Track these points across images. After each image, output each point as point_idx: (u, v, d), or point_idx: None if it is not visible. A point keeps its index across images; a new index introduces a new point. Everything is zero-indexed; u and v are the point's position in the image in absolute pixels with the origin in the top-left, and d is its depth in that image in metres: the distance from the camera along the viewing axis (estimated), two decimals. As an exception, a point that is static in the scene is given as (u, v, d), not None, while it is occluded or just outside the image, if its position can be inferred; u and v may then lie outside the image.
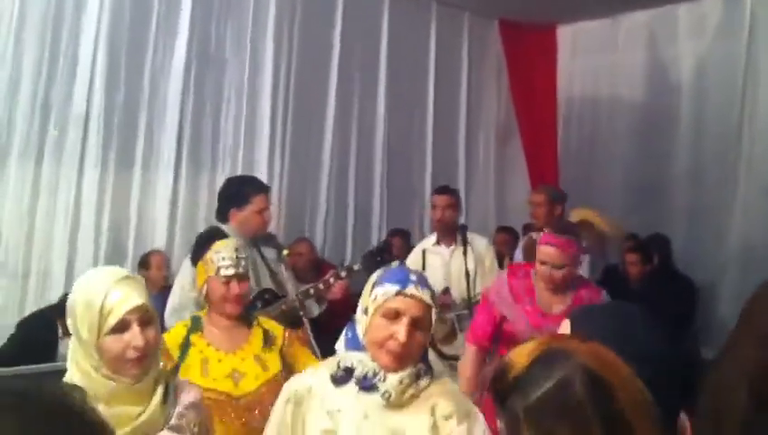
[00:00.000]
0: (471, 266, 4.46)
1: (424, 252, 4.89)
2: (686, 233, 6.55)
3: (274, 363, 2.86)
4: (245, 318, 2.93)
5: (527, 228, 6.72)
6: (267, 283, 3.91)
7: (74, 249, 5.01)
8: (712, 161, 6.58)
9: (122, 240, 5.21)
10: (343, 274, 3.94)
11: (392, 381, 2.04)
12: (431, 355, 4.59)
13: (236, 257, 2.83)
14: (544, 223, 4.94)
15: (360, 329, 2.11)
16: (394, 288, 2.04)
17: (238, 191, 3.97)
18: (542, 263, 3.38)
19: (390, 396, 2.04)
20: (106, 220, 5.13)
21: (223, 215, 3.96)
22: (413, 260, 4.94)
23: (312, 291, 3.90)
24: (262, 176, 5.54)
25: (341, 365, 2.10)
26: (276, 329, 2.98)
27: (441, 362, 4.62)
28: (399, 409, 2.07)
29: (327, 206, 6.28)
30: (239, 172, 5.62)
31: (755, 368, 3.02)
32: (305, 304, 3.82)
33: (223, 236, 3.27)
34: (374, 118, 6.66)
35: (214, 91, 5.65)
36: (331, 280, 3.91)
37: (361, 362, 2.08)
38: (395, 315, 2.02)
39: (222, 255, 2.83)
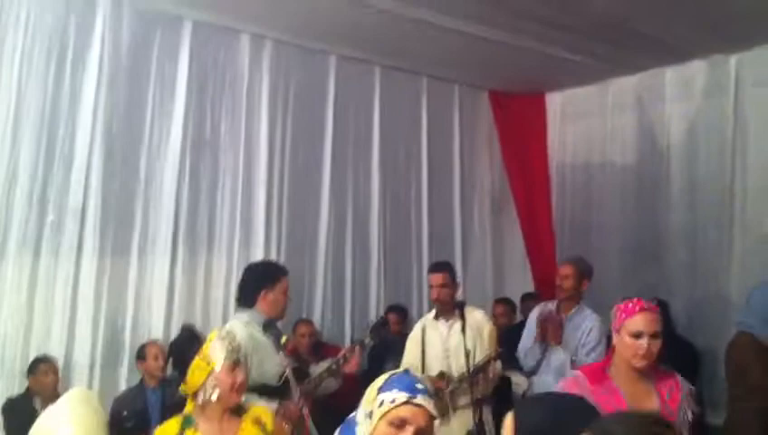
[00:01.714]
0: (470, 343, 4.45)
1: (424, 328, 4.90)
2: (685, 295, 6.54)
3: None
4: (237, 408, 2.96)
5: (527, 298, 6.73)
6: (275, 362, 3.97)
7: (72, 341, 5.03)
8: (706, 221, 6.59)
9: (119, 330, 5.22)
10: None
11: None
12: None
13: (232, 350, 2.90)
14: (569, 295, 4.96)
15: (360, 433, 2.09)
16: (403, 396, 2.04)
17: (266, 273, 4.19)
18: (637, 336, 2.90)
19: None
20: (103, 310, 5.15)
21: (251, 298, 4.09)
22: (413, 337, 4.95)
23: (333, 367, 4.17)
24: (258, 258, 5.61)
25: None
26: (266, 415, 3.01)
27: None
28: None
29: (324, 285, 6.29)
30: (236, 256, 5.67)
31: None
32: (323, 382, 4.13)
33: (195, 335, 3.35)
34: (369, 191, 6.72)
35: (209, 176, 5.72)
36: (347, 354, 4.21)
37: None
38: (401, 424, 2.03)
39: (218, 348, 2.88)
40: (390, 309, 6.35)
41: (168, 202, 5.45)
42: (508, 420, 1.77)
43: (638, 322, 2.90)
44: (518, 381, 5.47)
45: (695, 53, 6.51)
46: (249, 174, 5.89)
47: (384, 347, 5.87)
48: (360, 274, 6.56)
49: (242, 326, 3.87)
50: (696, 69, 6.73)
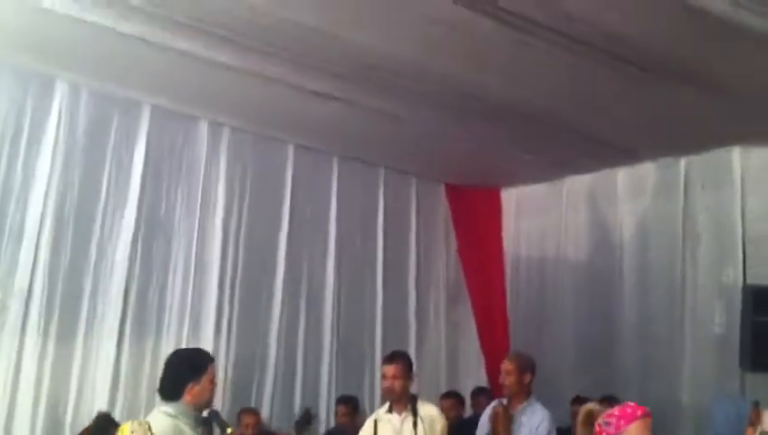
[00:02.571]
0: (419, 438, 4.37)
1: (375, 422, 4.80)
2: (638, 391, 6.49)
3: None
4: None
5: (478, 392, 6.67)
6: None
7: (11, 423, 4.86)
8: (658, 318, 6.65)
9: (60, 413, 5.04)
10: None
11: None
12: None
13: None
14: (512, 391, 4.91)
15: None
16: None
17: (193, 363, 3.91)
18: None
19: None
20: (45, 392, 5.01)
21: (177, 391, 3.85)
22: (365, 430, 4.84)
23: None
24: (208, 344, 5.53)
25: None
26: None
27: None
28: None
29: (275, 373, 6.17)
30: (184, 340, 5.59)
31: None
32: None
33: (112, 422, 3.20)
34: (323, 281, 6.68)
35: (161, 259, 5.67)
36: None
37: None
38: None
39: None
40: (340, 400, 6.23)
41: (117, 284, 5.37)
42: None
43: (643, 429, 2.73)
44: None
45: (645, 156, 6.72)
46: (202, 259, 5.86)
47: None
48: (311, 363, 6.46)
49: (166, 419, 3.69)
50: (647, 170, 6.91)
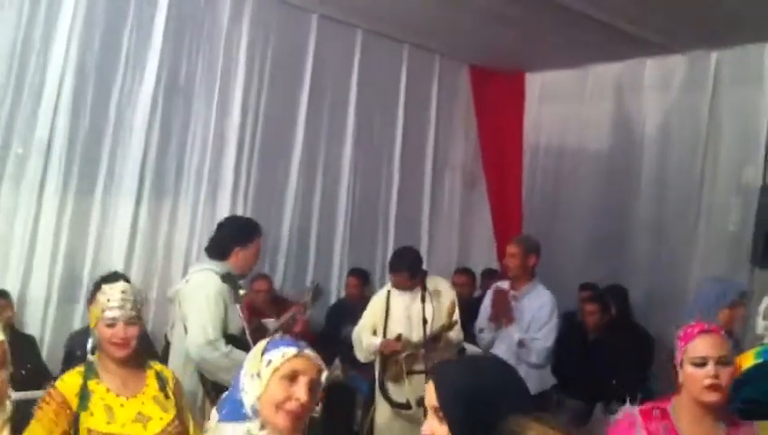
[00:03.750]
0: (429, 313, 4.47)
1: (389, 293, 4.91)
2: (646, 284, 6.62)
3: (171, 406, 2.87)
4: (139, 361, 2.90)
5: (487, 274, 6.77)
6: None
7: (29, 276, 4.96)
8: (673, 214, 6.67)
9: (78, 268, 5.15)
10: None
11: None
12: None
13: (122, 299, 2.79)
14: (516, 273, 5.00)
15: (250, 396, 2.05)
16: (292, 350, 2.06)
17: (244, 230, 4.14)
18: (702, 363, 2.47)
19: None
20: (63, 247, 5.07)
21: (223, 252, 4.02)
22: (378, 300, 4.96)
23: (284, 327, 4.21)
24: (224, 210, 5.58)
25: None
26: (166, 371, 3.00)
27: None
28: None
29: (289, 243, 6.25)
30: (201, 205, 5.62)
31: None
32: None
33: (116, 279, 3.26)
34: (341, 153, 6.68)
35: (180, 123, 5.64)
36: (297, 316, 4.28)
37: (248, 431, 2.01)
38: (293, 376, 2.03)
39: (107, 296, 2.80)
40: (352, 272, 6.36)
41: (136, 145, 5.35)
42: (429, 389, 1.70)
43: (700, 346, 2.49)
44: (473, 353, 5.52)
45: (676, 47, 6.54)
46: (221, 125, 5.81)
47: (342, 309, 5.89)
48: (325, 235, 6.54)
49: (212, 275, 3.85)
50: (676, 63, 6.77)
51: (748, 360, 3.50)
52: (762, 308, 3.61)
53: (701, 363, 2.46)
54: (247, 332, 3.87)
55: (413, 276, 4.72)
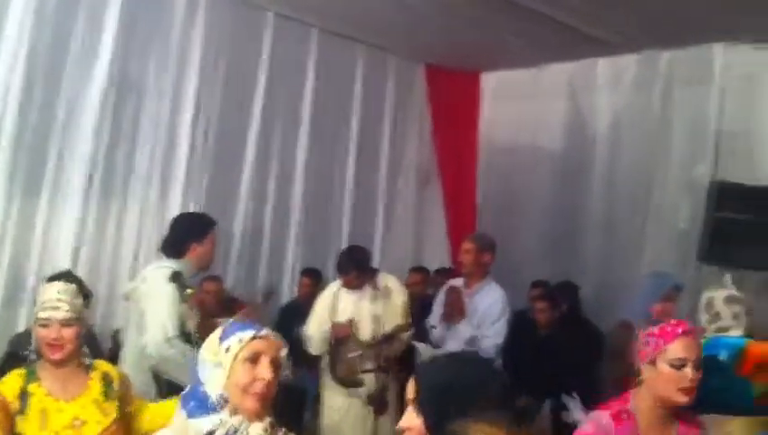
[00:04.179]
0: (379, 311, 4.48)
1: (336, 291, 4.91)
2: (597, 281, 6.69)
3: (113, 409, 2.82)
4: (81, 363, 2.86)
5: (441, 272, 6.79)
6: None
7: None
8: (623, 212, 6.76)
9: (24, 269, 5.05)
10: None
11: (257, 430, 2.02)
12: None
13: (57, 300, 2.76)
14: (470, 270, 5.04)
15: (213, 387, 2.05)
16: (249, 332, 2.07)
17: (197, 225, 4.15)
18: (681, 365, 2.42)
19: None
20: (7, 249, 4.96)
21: (179, 249, 4.01)
22: (325, 299, 4.96)
23: None
24: (175, 210, 5.52)
25: (194, 432, 2.02)
26: (113, 372, 2.95)
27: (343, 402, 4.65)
28: None
29: (241, 243, 6.19)
30: (151, 205, 5.56)
31: None
32: None
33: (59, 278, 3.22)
34: (295, 155, 6.63)
35: (131, 122, 5.54)
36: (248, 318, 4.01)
37: (221, 421, 2.02)
38: (255, 358, 2.04)
39: (43, 297, 2.78)
40: (305, 272, 6.34)
41: (85, 144, 5.24)
42: (411, 382, 1.80)
43: (681, 347, 2.44)
44: (423, 351, 5.54)
45: (628, 47, 6.62)
46: (173, 125, 5.73)
47: (294, 309, 5.87)
48: (277, 233, 6.49)
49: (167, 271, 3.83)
50: (628, 62, 6.85)
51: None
52: (702, 303, 3.68)
53: (680, 365, 2.42)
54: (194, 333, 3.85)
55: (361, 275, 4.72)
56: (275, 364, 2.07)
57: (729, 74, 6.23)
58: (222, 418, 2.02)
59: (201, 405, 2.05)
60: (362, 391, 4.58)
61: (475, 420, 1.41)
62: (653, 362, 2.47)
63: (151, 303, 3.78)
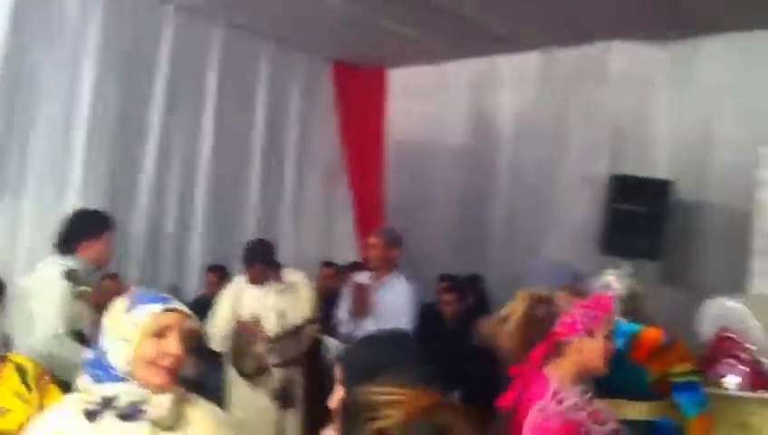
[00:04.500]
0: (285, 305, 4.43)
1: (240, 287, 4.85)
2: (502, 274, 6.80)
3: (34, 399, 2.73)
4: None
5: (351, 267, 6.78)
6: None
7: None
8: (526, 206, 6.93)
9: None
10: None
11: (161, 401, 1.99)
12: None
13: None
14: (378, 265, 5.05)
15: (119, 359, 2.01)
16: (158, 306, 2.03)
17: (92, 223, 4.02)
18: (609, 336, 2.57)
19: (162, 418, 1.99)
20: None
21: (70, 246, 3.87)
22: (228, 294, 4.89)
23: None
24: (70, 207, 5.33)
25: (99, 396, 1.99)
26: (27, 363, 2.86)
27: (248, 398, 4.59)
28: (168, 433, 2.02)
29: (143, 241, 6.03)
30: (48, 203, 5.36)
31: None
32: None
33: None
34: (199, 151, 6.51)
35: (25, 117, 5.32)
36: None
37: (126, 392, 1.99)
38: (163, 332, 2.02)
39: None
40: (211, 268, 6.23)
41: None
42: (337, 368, 1.86)
43: (610, 319, 2.58)
44: (331, 346, 5.53)
45: (528, 45, 6.77)
46: (69, 120, 5.54)
47: (201, 306, 5.77)
48: (181, 230, 6.36)
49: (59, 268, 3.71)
50: (529, 60, 7.00)
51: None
52: (600, 286, 3.80)
53: (609, 336, 2.54)
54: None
55: (266, 269, 4.68)
56: (184, 338, 2.05)
57: (624, 71, 6.45)
58: (128, 390, 1.99)
59: (107, 373, 2.02)
60: (268, 384, 4.53)
61: (381, 382, 1.41)
62: (591, 334, 2.54)
63: (40, 300, 3.66)
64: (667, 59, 6.30)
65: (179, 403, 2.05)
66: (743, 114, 5.86)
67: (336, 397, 1.83)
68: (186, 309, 2.10)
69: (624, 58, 6.49)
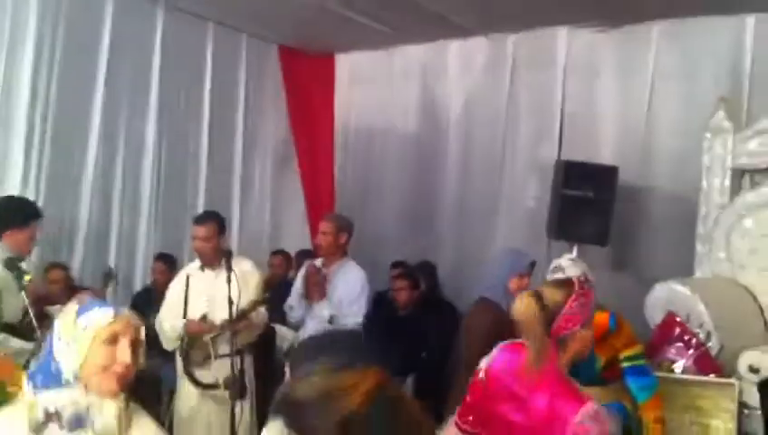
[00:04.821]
0: (234, 293, 4.32)
1: (188, 277, 4.75)
2: (453, 260, 6.85)
3: None
4: None
5: (301, 255, 6.75)
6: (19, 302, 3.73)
7: None
8: (476, 192, 6.96)
9: None
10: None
11: (108, 410, 1.99)
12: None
13: None
14: (328, 251, 5.01)
15: (67, 364, 2.00)
16: (108, 314, 2.04)
17: (16, 212, 3.99)
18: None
19: (108, 427, 1.98)
20: None
21: None
22: (176, 284, 4.79)
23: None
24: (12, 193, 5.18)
25: (43, 408, 1.95)
26: None
27: (197, 390, 4.51)
28: None
29: (87, 231, 5.89)
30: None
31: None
32: None
33: None
34: (143, 137, 6.35)
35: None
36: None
37: (71, 401, 1.96)
38: (114, 339, 2.03)
39: None
40: (158, 257, 6.11)
41: None
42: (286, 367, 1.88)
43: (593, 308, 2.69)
44: (284, 334, 5.49)
45: (477, 30, 6.77)
46: (7, 107, 5.36)
47: (148, 296, 5.68)
48: (127, 217, 6.21)
49: None
50: (478, 45, 7.01)
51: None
52: (550, 270, 3.84)
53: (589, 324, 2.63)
54: (34, 321, 3.63)
55: (218, 230, 4.63)
56: (134, 345, 2.07)
57: (572, 57, 6.50)
58: (75, 396, 1.98)
59: (51, 379, 2.01)
60: (216, 375, 4.45)
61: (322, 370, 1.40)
62: (585, 325, 2.60)
63: None
64: (613, 45, 6.35)
65: (124, 413, 2.05)
66: (686, 100, 5.95)
67: None
68: (136, 319, 2.12)
69: (570, 44, 6.53)
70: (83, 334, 2.01)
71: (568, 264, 3.75)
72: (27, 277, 3.69)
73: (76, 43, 5.80)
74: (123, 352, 2.02)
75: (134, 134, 6.30)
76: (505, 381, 2.60)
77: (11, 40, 5.40)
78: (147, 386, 5.16)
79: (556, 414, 2.43)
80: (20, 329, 3.69)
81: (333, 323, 4.76)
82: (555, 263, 3.93)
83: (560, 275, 3.53)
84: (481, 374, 2.68)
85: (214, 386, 4.43)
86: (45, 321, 3.74)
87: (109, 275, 4.63)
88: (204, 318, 4.51)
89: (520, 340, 2.62)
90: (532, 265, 4.07)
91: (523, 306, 2.57)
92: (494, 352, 2.71)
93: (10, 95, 5.40)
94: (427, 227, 7.13)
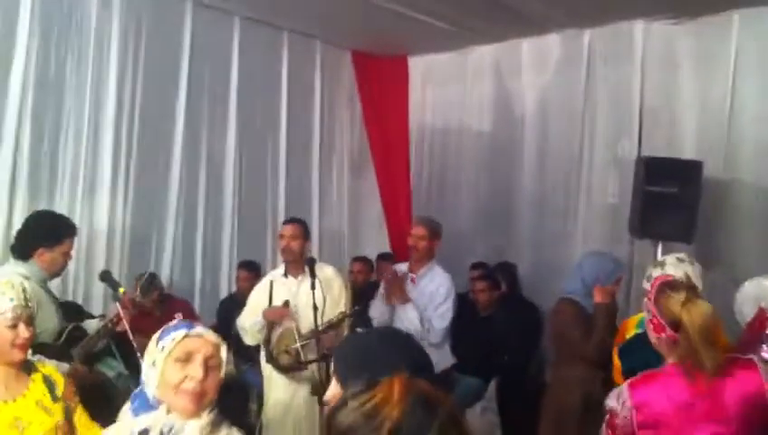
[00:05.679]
0: (318, 299, 4.40)
1: (272, 282, 4.85)
2: (532, 260, 6.79)
3: (58, 410, 2.78)
4: (24, 365, 2.81)
5: (382, 258, 6.80)
6: (55, 321, 3.86)
7: None
8: (555, 189, 6.87)
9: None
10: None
11: (191, 429, 2.04)
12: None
13: (25, 298, 2.74)
14: (422, 255, 5.02)
15: (150, 385, 2.09)
16: (181, 332, 2.09)
17: (51, 229, 3.95)
18: None
19: None
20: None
21: (24, 252, 3.86)
22: (260, 289, 4.89)
23: (108, 326, 3.95)
24: (103, 209, 5.38)
25: (135, 431, 2.03)
26: (55, 375, 2.90)
27: (285, 395, 4.59)
28: None
29: (174, 240, 6.06)
30: (78, 204, 5.38)
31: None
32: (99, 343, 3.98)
33: None
34: (224, 147, 6.50)
35: (52, 119, 5.32)
36: (117, 315, 3.83)
37: (155, 419, 2.03)
38: (187, 357, 2.07)
39: (9, 296, 2.70)
40: (242, 265, 6.24)
41: (6, 143, 5.05)
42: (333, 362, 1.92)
43: None
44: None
45: (550, 27, 6.70)
46: (96, 120, 5.54)
47: (233, 303, 5.79)
48: (211, 227, 6.37)
49: (17, 277, 3.52)
50: (552, 42, 6.93)
51: (630, 329, 3.64)
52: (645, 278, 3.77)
53: None
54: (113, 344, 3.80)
55: (304, 232, 4.82)
56: (209, 363, 2.09)
57: (649, 51, 6.37)
58: (156, 416, 2.04)
59: (144, 404, 2.09)
60: (305, 379, 4.52)
61: (369, 377, 1.45)
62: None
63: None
64: (691, 36, 6.19)
65: (210, 430, 2.08)
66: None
67: (331, 390, 1.87)
68: (213, 336, 2.15)
69: (647, 37, 6.39)
70: (161, 355, 2.08)
71: (672, 261, 3.64)
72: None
73: (158, 56, 5.96)
74: (195, 369, 2.05)
75: (215, 145, 6.45)
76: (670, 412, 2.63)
77: (97, 55, 5.57)
78: (234, 391, 5.30)
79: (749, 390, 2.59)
80: (54, 348, 3.74)
81: (424, 327, 4.77)
82: (660, 259, 3.84)
83: (659, 272, 3.46)
84: (624, 413, 2.66)
85: (299, 367, 4.48)
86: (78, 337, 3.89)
87: (148, 281, 4.52)
88: (287, 304, 4.58)
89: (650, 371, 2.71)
90: (618, 265, 4.07)
91: (702, 312, 2.61)
92: (628, 390, 2.69)
93: (98, 111, 5.58)
94: (503, 225, 7.09)
